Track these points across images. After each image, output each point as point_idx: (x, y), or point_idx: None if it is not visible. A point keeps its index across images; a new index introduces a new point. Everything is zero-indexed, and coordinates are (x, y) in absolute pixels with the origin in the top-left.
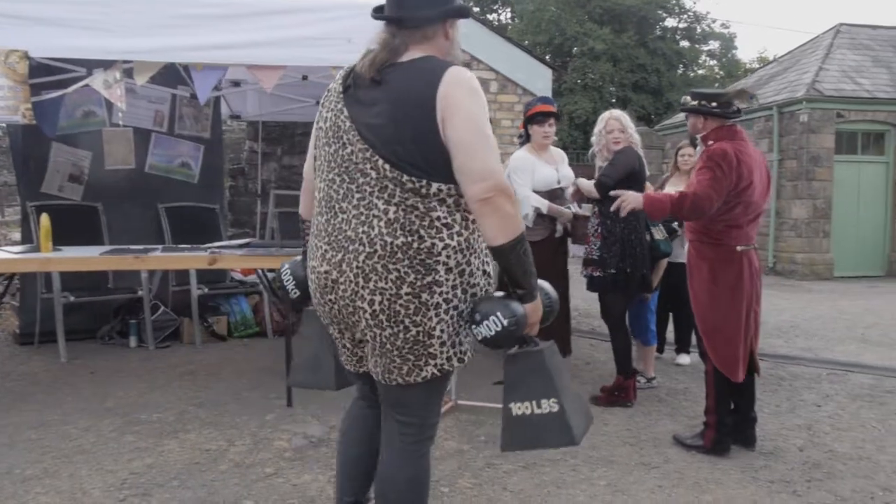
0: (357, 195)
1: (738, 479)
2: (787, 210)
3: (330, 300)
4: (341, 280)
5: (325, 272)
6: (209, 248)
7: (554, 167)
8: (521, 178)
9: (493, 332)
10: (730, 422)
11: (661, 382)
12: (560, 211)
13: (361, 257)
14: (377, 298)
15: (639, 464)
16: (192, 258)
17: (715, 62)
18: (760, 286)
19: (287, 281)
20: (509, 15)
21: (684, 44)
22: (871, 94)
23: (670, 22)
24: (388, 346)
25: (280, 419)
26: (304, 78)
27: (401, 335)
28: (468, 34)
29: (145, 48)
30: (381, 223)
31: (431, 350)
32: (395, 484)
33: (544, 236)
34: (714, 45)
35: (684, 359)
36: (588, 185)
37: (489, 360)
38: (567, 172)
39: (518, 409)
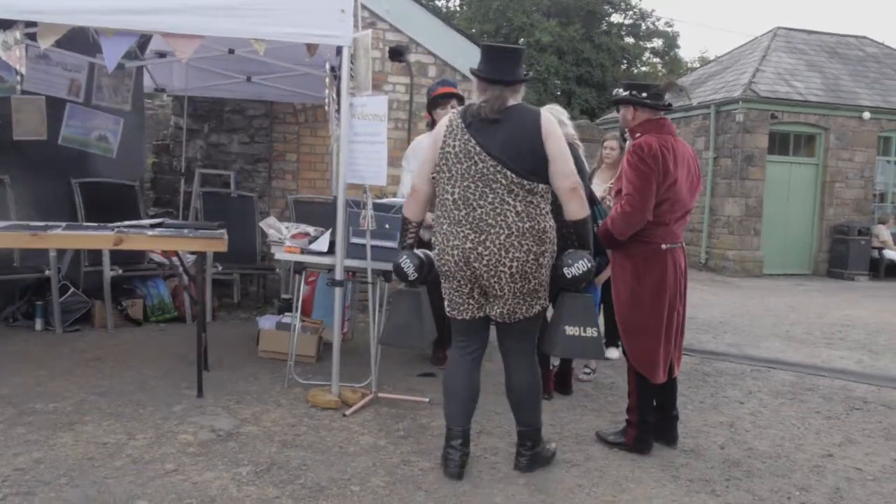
0: (491, 195)
1: (657, 478)
2: (720, 207)
3: (474, 267)
4: (486, 252)
5: (471, 248)
6: (116, 226)
7: None
8: (409, 163)
9: (582, 271)
10: (652, 420)
11: (593, 376)
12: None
13: (502, 237)
14: (514, 264)
15: (560, 461)
16: (95, 237)
17: (658, 60)
18: (685, 285)
19: (407, 267)
20: (457, 2)
21: (629, 40)
22: (803, 97)
23: (616, 17)
24: (518, 294)
25: (188, 411)
26: (231, 52)
27: (527, 286)
28: (408, 14)
29: (51, 8)
30: (513, 213)
31: (539, 294)
32: (531, 385)
33: None
34: (658, 42)
35: (613, 353)
36: None
37: (411, 352)
38: None
39: (570, 330)
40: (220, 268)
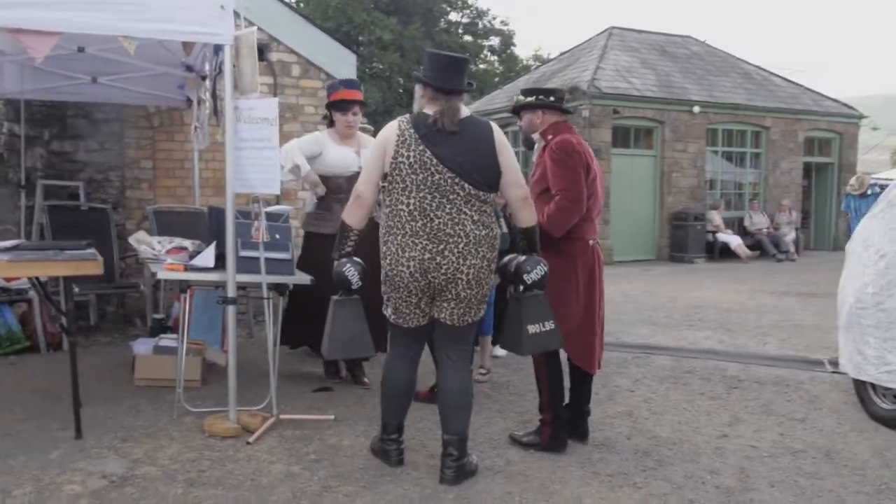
0: (448, 206)
1: (580, 476)
2: None
3: (432, 277)
4: (444, 262)
5: (429, 258)
6: None
7: (355, 150)
8: (300, 143)
9: (540, 275)
10: (564, 416)
11: (487, 376)
12: (315, 182)
13: (461, 245)
14: (471, 271)
15: (482, 469)
16: None
17: (495, 58)
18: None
19: (351, 275)
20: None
21: (468, 38)
22: (641, 92)
23: (454, 16)
24: (471, 299)
25: (68, 456)
26: (81, 50)
27: (480, 291)
28: (269, 14)
29: None
30: (470, 222)
31: (486, 299)
32: (466, 390)
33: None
34: (495, 40)
35: (500, 350)
36: None
37: (305, 365)
38: None
39: (533, 329)
40: (77, 289)
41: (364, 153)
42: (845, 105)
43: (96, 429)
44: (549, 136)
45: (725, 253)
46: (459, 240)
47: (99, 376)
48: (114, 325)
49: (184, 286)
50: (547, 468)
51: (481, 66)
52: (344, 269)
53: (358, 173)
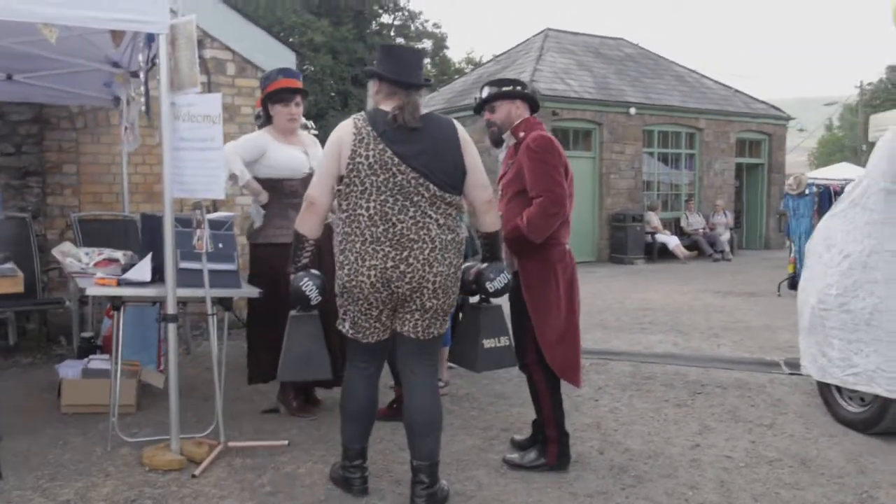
0: (412, 209)
1: (558, 498)
2: None
3: (395, 286)
4: (409, 270)
5: (392, 266)
6: None
7: (303, 150)
8: (237, 147)
9: (503, 284)
10: (567, 431)
11: (447, 388)
12: (257, 190)
13: (426, 251)
14: (437, 279)
15: (453, 494)
16: None
17: (428, 60)
18: None
19: (310, 290)
20: None
21: (400, 40)
22: (579, 94)
23: (386, 18)
24: (437, 310)
25: None
26: None
27: (447, 301)
28: (203, 8)
29: None
30: (435, 226)
31: (451, 310)
32: (435, 408)
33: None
34: (427, 43)
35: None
36: None
37: (242, 387)
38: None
39: (488, 343)
40: None
41: (313, 153)
42: (773, 107)
43: (18, 467)
44: (521, 133)
45: (663, 253)
46: (425, 245)
47: (20, 404)
48: (36, 345)
49: (117, 303)
50: (522, 491)
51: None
52: (301, 283)
53: (311, 175)
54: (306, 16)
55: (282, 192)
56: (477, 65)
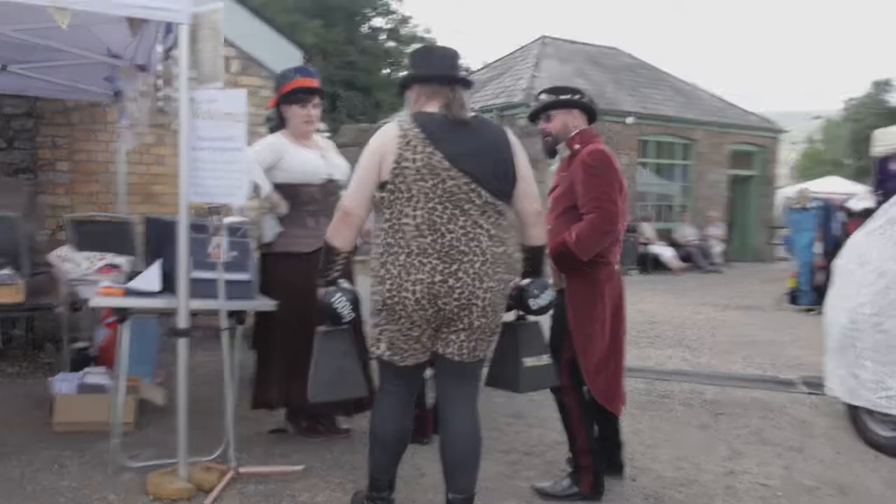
0: (462, 218)
1: None
2: None
3: (443, 303)
4: (458, 285)
5: (441, 281)
6: None
7: (320, 154)
8: (257, 154)
9: (547, 301)
10: (602, 458)
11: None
12: (277, 203)
13: (477, 264)
14: (487, 295)
15: None
16: None
17: None
18: None
19: (342, 307)
20: None
21: (391, 44)
22: None
23: (378, 21)
24: (486, 329)
25: None
26: None
27: (495, 320)
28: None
29: None
30: (486, 237)
31: (497, 329)
32: (475, 437)
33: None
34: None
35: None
36: None
37: (244, 403)
38: (339, 162)
39: (529, 362)
40: None
41: (331, 158)
42: (766, 120)
43: (12, 494)
44: (577, 146)
45: (657, 264)
46: (476, 258)
47: (9, 419)
48: (22, 353)
49: (122, 315)
50: None
51: (403, 74)
52: (333, 299)
53: (330, 180)
54: (297, 15)
55: (298, 199)
56: (470, 71)
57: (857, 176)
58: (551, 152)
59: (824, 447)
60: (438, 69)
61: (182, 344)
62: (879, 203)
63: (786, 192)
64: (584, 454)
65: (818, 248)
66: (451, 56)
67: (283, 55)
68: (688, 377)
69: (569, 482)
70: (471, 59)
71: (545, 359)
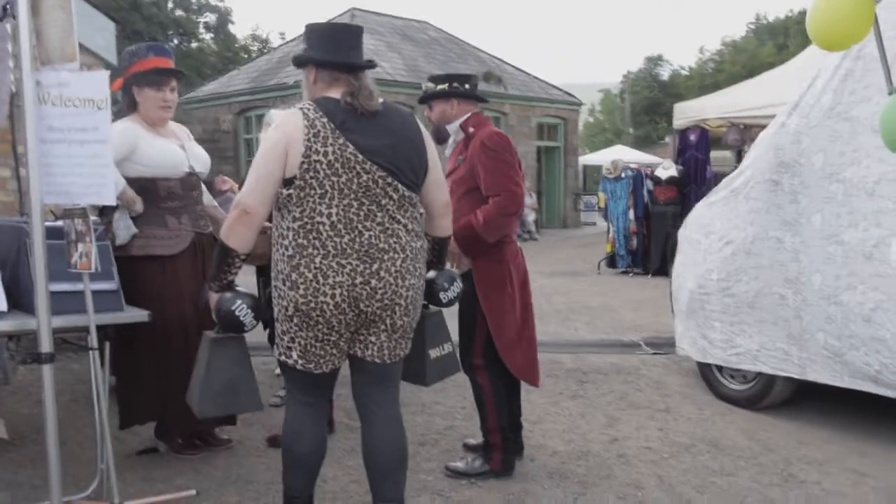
0: (380, 214)
1: None
2: None
3: (365, 305)
4: (380, 286)
5: (362, 283)
6: None
7: (179, 144)
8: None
9: (456, 293)
10: (512, 437)
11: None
12: (132, 200)
13: (398, 262)
14: (409, 293)
15: None
16: None
17: (211, 35)
18: None
19: (244, 314)
20: None
21: (180, 13)
22: (392, 76)
23: None
24: (407, 328)
25: None
26: None
27: (416, 318)
28: None
29: None
30: (404, 232)
31: (414, 326)
32: (400, 442)
33: (181, 248)
34: (211, 17)
35: None
36: None
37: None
38: (199, 153)
39: (434, 353)
40: None
41: (192, 148)
42: (568, 93)
43: None
44: (471, 129)
45: None
46: (396, 255)
47: None
48: None
49: None
50: None
51: (194, 45)
52: (233, 306)
53: (191, 173)
54: None
55: (156, 195)
56: (264, 42)
57: (638, 145)
58: (440, 137)
59: (686, 405)
60: (338, 54)
61: (46, 371)
62: (681, 172)
63: (582, 160)
64: (494, 432)
65: (631, 214)
66: (350, 38)
67: (92, 27)
68: (545, 347)
69: (480, 461)
70: (268, 30)
71: (448, 347)
